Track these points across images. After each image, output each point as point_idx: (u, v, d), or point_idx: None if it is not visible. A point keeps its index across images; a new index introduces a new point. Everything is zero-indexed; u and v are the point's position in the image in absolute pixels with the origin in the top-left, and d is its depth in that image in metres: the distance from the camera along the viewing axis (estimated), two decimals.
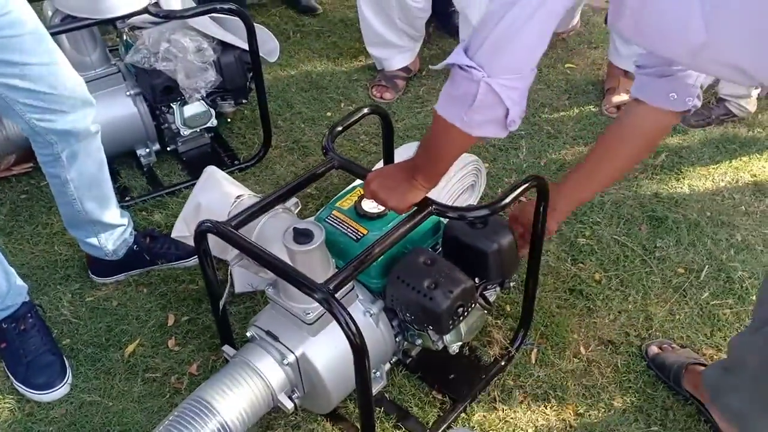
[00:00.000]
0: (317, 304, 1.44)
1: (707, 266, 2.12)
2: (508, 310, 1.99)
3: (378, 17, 2.81)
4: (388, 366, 1.74)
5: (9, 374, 1.86)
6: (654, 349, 1.85)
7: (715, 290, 2.05)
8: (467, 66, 1.16)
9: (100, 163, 1.86)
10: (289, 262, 1.44)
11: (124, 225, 2.04)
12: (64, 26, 2.16)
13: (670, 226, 2.26)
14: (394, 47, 2.89)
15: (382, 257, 1.57)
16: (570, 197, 1.67)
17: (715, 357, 1.86)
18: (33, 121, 1.65)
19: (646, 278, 2.09)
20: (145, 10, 2.18)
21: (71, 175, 1.80)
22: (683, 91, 1.42)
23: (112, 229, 2.00)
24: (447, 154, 1.35)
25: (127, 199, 2.41)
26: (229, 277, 1.64)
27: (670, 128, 1.57)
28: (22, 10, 1.54)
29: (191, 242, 1.61)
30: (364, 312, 1.61)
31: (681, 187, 2.43)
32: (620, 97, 2.78)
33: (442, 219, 1.71)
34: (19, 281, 1.91)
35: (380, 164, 2.03)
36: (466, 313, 1.56)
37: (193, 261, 2.13)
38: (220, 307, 1.64)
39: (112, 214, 1.98)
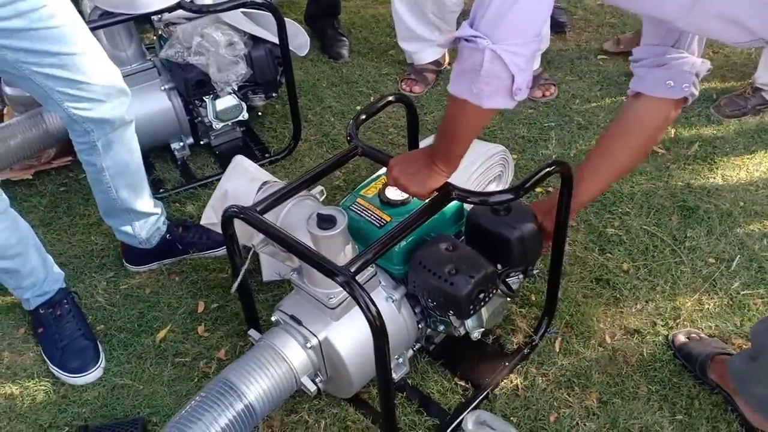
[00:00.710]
0: (340, 289, 1.47)
1: (739, 256, 2.08)
2: (533, 299, 1.99)
3: (411, 12, 2.82)
4: (411, 352, 1.76)
5: (45, 358, 1.93)
6: (681, 339, 1.83)
7: (746, 280, 2.01)
8: (472, 36, 1.18)
9: (134, 152, 1.91)
10: (313, 248, 1.46)
11: (158, 214, 2.10)
12: (101, 21, 2.22)
13: (701, 216, 2.23)
14: (425, 41, 2.89)
15: (404, 243, 1.59)
16: None
17: (744, 347, 1.83)
18: (70, 109, 1.70)
19: (675, 268, 2.06)
20: (179, 5, 2.22)
21: (106, 163, 1.85)
22: (680, 78, 1.46)
23: (146, 217, 2.06)
24: (462, 133, 1.36)
25: (161, 191, 2.47)
26: (248, 259, 1.66)
27: (671, 121, 1.58)
28: (58, 2, 1.59)
29: (220, 229, 1.65)
30: (386, 298, 1.63)
31: (714, 178, 2.39)
32: None
33: (465, 206, 1.72)
34: (56, 268, 1.98)
35: None
36: (487, 299, 1.57)
37: (223, 250, 2.18)
38: (234, 288, 1.67)
39: (146, 202, 2.03)
